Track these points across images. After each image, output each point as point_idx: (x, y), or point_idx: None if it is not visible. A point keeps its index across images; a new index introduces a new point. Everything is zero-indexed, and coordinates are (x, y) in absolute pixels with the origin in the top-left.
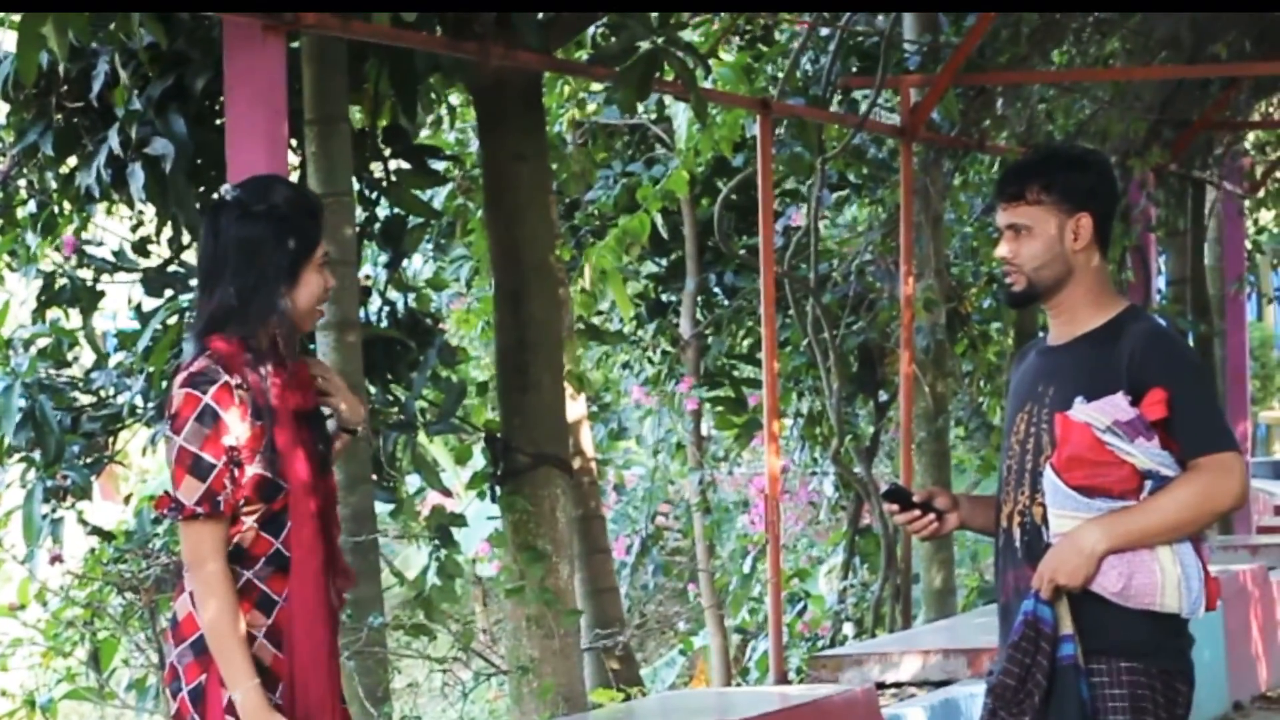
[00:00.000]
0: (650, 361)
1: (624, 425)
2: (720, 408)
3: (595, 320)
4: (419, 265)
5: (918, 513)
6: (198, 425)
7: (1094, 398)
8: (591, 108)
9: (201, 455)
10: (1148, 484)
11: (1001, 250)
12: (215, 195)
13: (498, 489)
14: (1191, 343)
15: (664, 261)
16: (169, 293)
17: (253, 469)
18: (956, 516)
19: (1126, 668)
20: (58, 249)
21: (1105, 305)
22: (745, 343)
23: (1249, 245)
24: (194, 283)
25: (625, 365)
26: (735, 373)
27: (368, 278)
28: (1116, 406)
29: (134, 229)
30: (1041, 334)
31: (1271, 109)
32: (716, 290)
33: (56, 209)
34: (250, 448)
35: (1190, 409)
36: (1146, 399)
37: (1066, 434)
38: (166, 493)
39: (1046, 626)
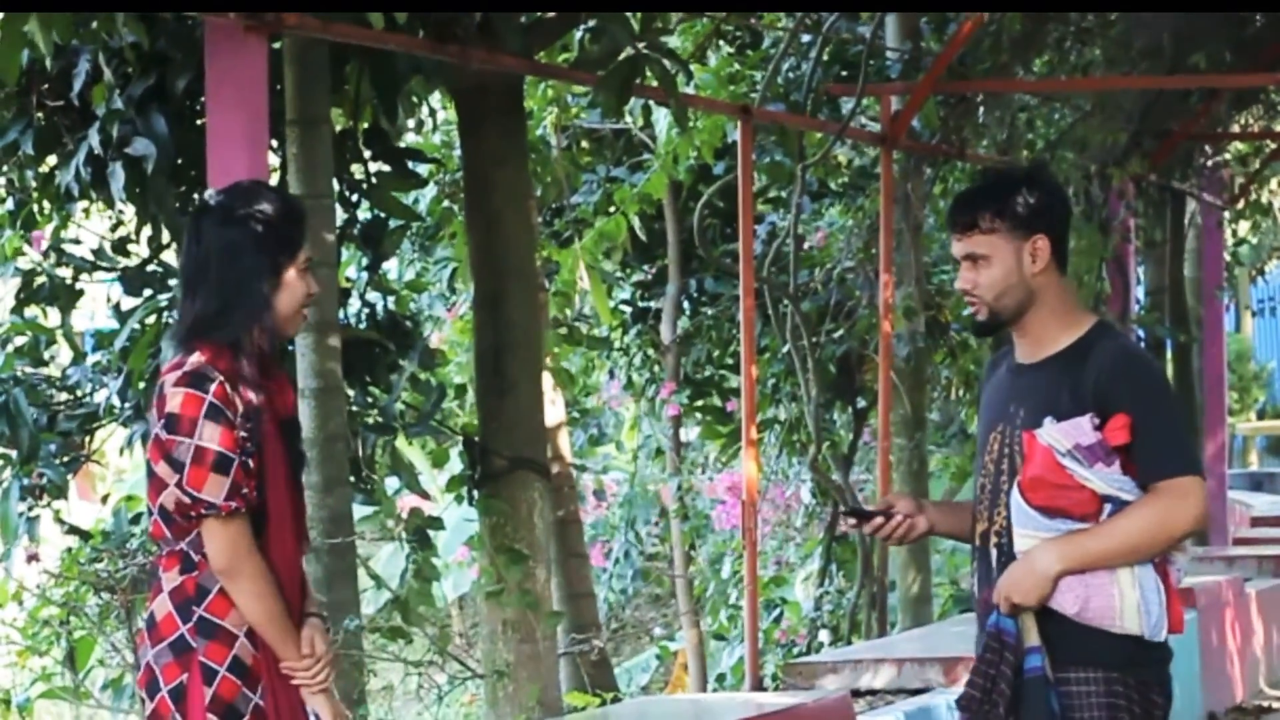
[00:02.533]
0: (633, 367)
1: (604, 430)
2: (709, 417)
3: (580, 326)
4: (403, 267)
5: (881, 519)
6: (210, 422)
7: (1063, 418)
8: (575, 110)
9: (223, 451)
10: (1107, 507)
11: (961, 282)
12: (198, 200)
13: (475, 492)
14: (1170, 352)
15: (650, 268)
16: (148, 292)
17: None
18: (925, 519)
19: (1104, 678)
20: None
21: (1073, 323)
22: (727, 349)
23: (1228, 257)
24: (173, 282)
25: (610, 374)
26: (724, 384)
27: (348, 280)
28: (1080, 430)
29: (113, 228)
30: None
31: (1252, 121)
32: (700, 295)
33: (36, 207)
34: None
35: (1152, 434)
36: (1110, 424)
37: (1032, 454)
38: (190, 495)
39: (1009, 638)
